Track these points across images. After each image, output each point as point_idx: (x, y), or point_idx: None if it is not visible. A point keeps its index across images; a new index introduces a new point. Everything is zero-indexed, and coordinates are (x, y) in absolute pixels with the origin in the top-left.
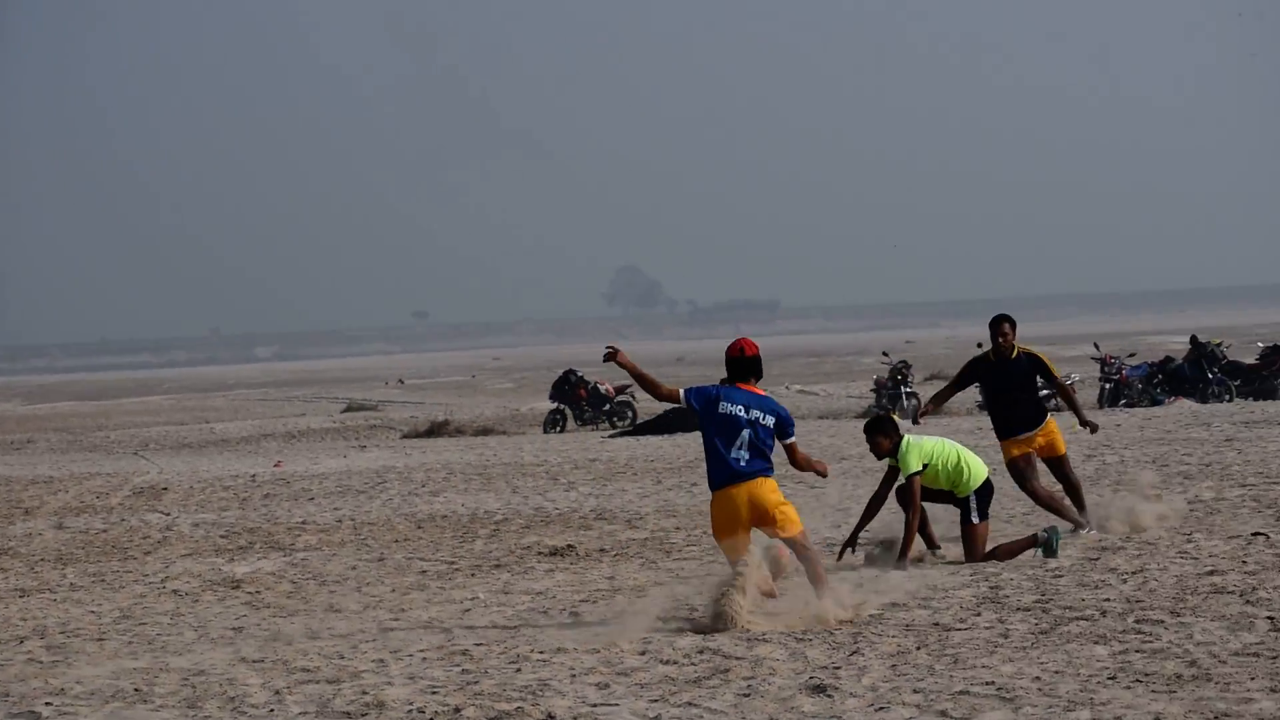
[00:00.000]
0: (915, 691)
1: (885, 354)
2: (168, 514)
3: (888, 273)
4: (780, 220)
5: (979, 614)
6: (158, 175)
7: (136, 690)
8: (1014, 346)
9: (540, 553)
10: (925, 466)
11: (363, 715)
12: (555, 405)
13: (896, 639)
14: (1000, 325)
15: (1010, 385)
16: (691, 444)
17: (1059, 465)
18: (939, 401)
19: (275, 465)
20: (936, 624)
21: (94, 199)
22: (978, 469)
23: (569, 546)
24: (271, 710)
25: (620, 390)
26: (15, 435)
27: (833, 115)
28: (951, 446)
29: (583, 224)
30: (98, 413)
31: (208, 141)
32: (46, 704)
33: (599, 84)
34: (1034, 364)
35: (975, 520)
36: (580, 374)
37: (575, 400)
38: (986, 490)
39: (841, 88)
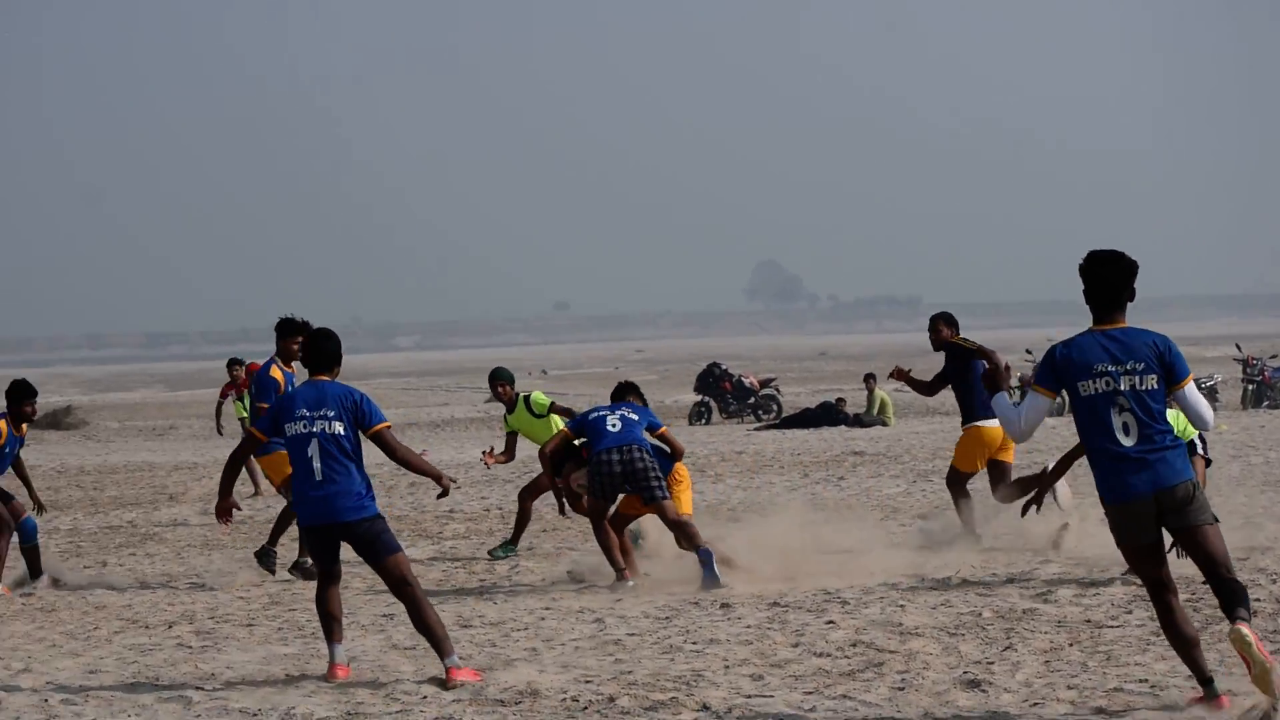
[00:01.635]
0: (1069, 688)
1: (1029, 351)
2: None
3: (1031, 269)
4: (923, 216)
5: (1130, 612)
6: (297, 161)
7: (287, 676)
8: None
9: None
10: None
11: (516, 704)
12: (700, 397)
13: (1049, 635)
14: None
15: None
16: (838, 438)
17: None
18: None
19: (420, 454)
20: (1088, 621)
21: (241, 188)
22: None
23: (718, 538)
24: (424, 698)
25: (765, 384)
26: (158, 422)
27: (979, 108)
28: None
29: (723, 218)
30: None
31: (347, 130)
32: (197, 689)
33: (745, 79)
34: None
35: None
36: (725, 367)
37: (720, 393)
38: None
39: (990, 80)
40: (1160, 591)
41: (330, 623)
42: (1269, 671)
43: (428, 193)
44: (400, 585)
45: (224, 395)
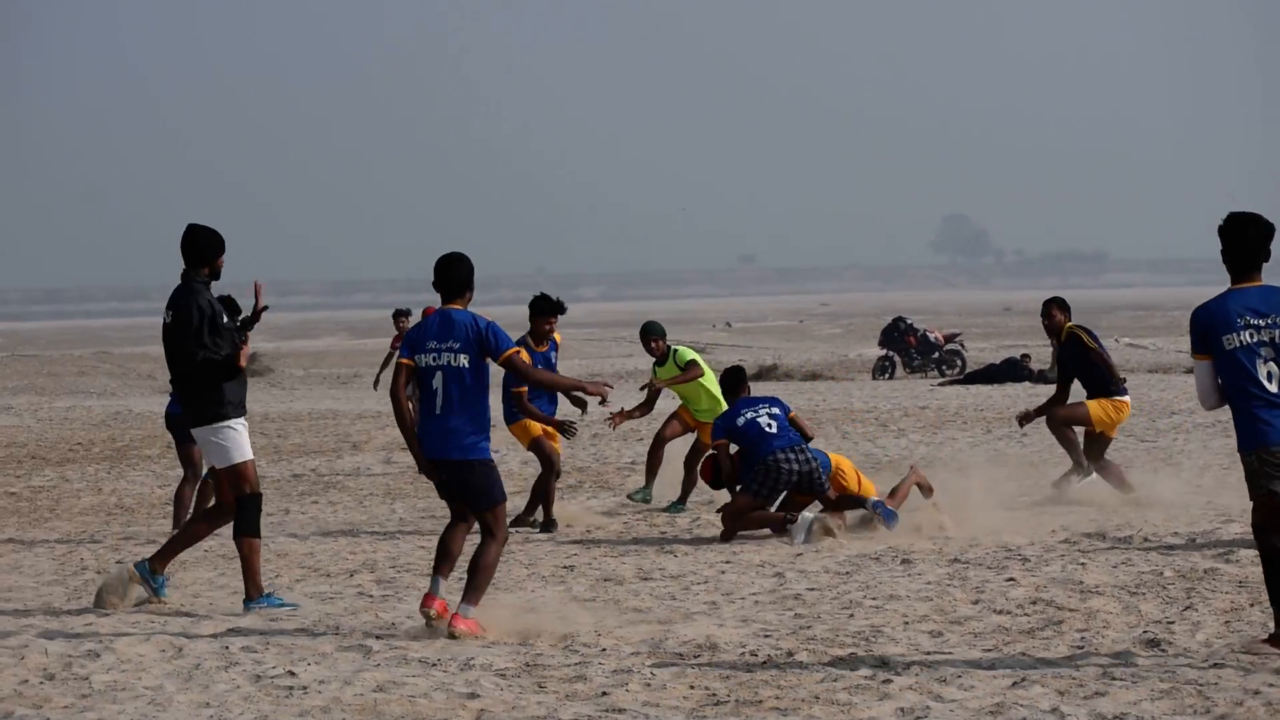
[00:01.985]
0: (1249, 649)
1: None
2: (497, 451)
3: (1216, 226)
4: (1109, 170)
5: None
6: (486, 115)
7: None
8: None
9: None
10: None
11: (695, 657)
12: (884, 352)
13: (1230, 595)
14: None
15: None
16: (1022, 395)
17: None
18: None
19: (601, 404)
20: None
21: (418, 136)
22: None
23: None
24: (603, 650)
25: (950, 339)
26: (342, 369)
27: (1171, 58)
28: None
29: (911, 171)
30: None
31: (542, 77)
32: (377, 638)
33: (930, 33)
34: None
35: None
36: (910, 321)
37: (904, 347)
38: None
39: (1179, 26)
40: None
41: (442, 557)
42: None
43: (614, 146)
44: (486, 532)
45: (394, 347)
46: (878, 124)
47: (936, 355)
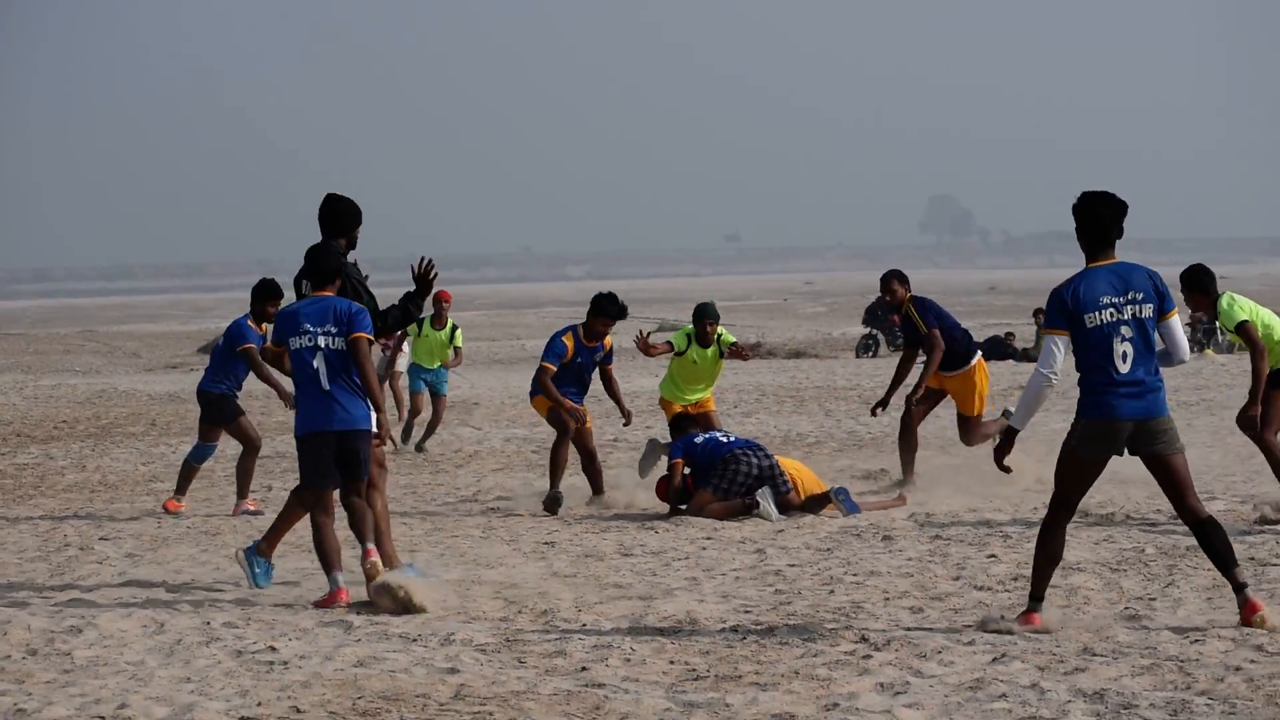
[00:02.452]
0: (1230, 625)
1: None
2: (479, 429)
3: (1200, 206)
4: (1096, 151)
5: None
6: (464, 88)
7: (444, 600)
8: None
9: (854, 476)
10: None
11: (675, 632)
12: (868, 330)
13: (1212, 572)
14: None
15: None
16: (1005, 373)
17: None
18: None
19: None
20: (1252, 559)
21: (405, 113)
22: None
23: (882, 470)
24: (584, 625)
25: None
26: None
27: (1160, 40)
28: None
29: (897, 152)
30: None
31: (521, 57)
32: (357, 614)
33: (916, 11)
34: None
35: None
36: None
37: (888, 326)
38: None
39: (1167, 6)
40: (1064, 510)
41: (332, 552)
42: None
43: (599, 124)
44: (370, 486)
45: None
46: (864, 105)
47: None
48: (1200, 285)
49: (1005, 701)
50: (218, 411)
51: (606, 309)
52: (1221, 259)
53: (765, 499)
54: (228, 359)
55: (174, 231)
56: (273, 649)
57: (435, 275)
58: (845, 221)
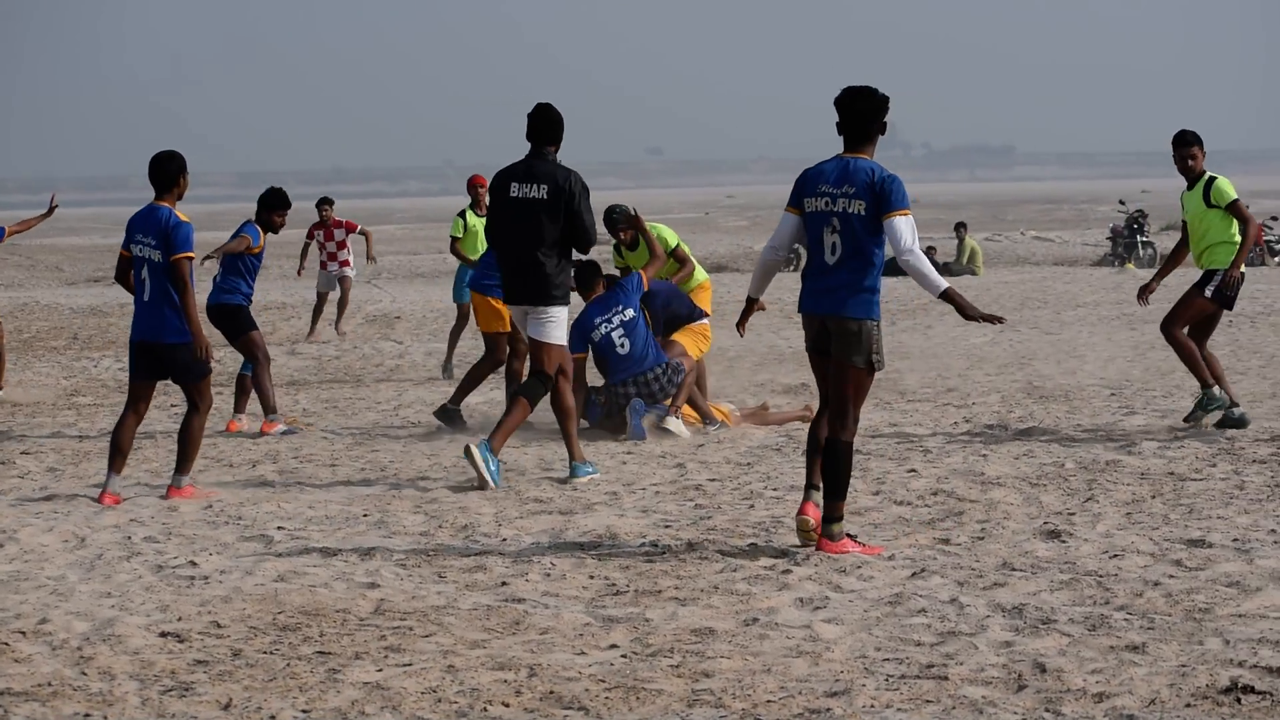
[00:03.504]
0: (1149, 540)
1: (1122, 202)
2: (400, 343)
3: (1123, 120)
4: (1018, 64)
5: (1214, 465)
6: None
7: (365, 515)
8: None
9: (774, 390)
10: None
11: (595, 546)
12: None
13: (1131, 487)
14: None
15: None
16: (922, 290)
17: None
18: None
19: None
20: (1172, 473)
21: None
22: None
23: (802, 385)
24: (504, 540)
25: None
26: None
27: None
28: None
29: (817, 63)
30: None
31: None
32: (279, 529)
33: None
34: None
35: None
36: None
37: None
38: None
39: None
40: (822, 402)
41: (116, 453)
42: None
43: (521, 37)
44: (191, 405)
45: (310, 236)
46: (788, 15)
47: None
48: (1198, 141)
49: (924, 616)
50: (233, 324)
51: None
52: (1145, 173)
53: (635, 415)
54: (235, 263)
55: (98, 144)
56: (193, 564)
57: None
58: (767, 134)
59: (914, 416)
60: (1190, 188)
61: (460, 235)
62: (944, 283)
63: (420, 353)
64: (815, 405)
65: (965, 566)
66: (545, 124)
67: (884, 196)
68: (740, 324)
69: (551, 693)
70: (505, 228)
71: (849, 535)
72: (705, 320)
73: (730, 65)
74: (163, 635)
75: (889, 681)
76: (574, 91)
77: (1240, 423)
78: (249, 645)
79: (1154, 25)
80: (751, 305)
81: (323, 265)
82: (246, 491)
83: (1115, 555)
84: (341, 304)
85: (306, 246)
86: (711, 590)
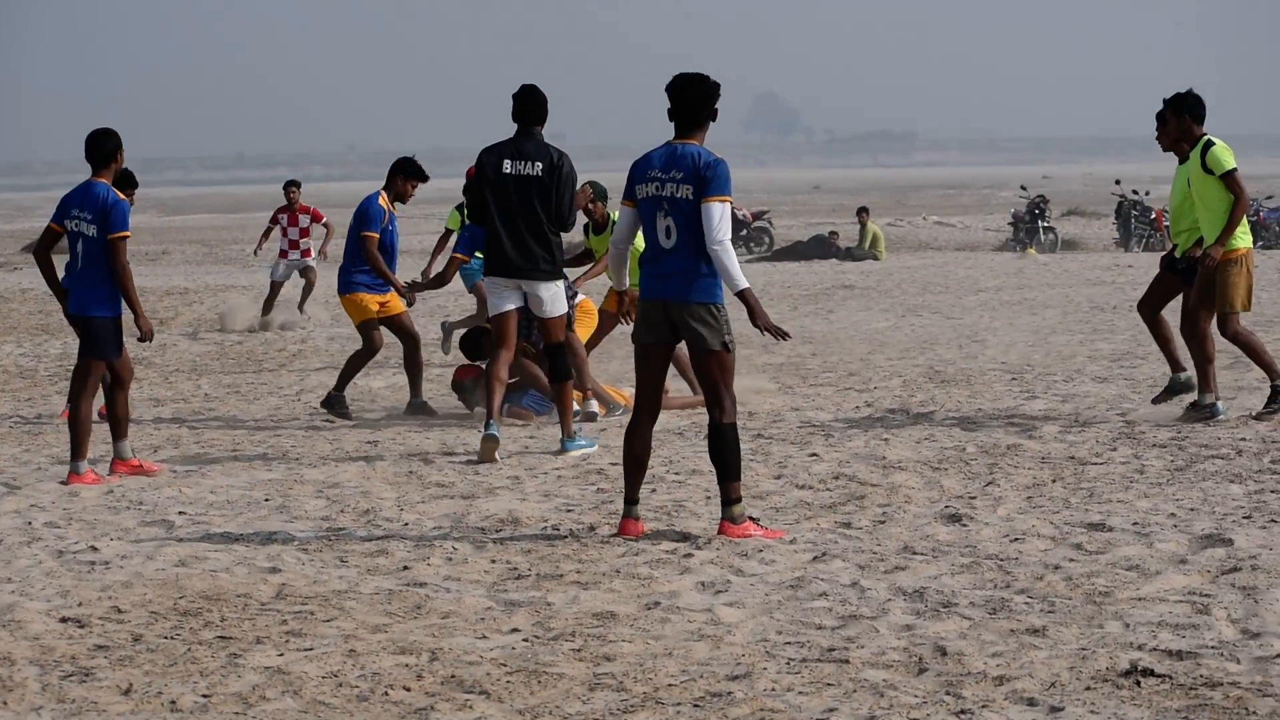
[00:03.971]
0: (1050, 524)
1: (1023, 188)
2: (303, 328)
3: (1025, 107)
4: (919, 51)
5: (1115, 449)
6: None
7: (267, 500)
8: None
9: (672, 374)
10: None
11: (496, 531)
12: None
13: (1032, 471)
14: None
15: None
16: (828, 271)
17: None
18: None
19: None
20: (1072, 458)
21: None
22: None
23: None
24: (406, 524)
25: (757, 216)
26: (151, 246)
27: None
28: None
29: (721, 49)
30: (233, 225)
31: None
32: (180, 514)
33: None
34: None
35: None
36: None
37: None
38: None
39: None
40: (642, 409)
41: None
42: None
43: (430, 22)
44: (115, 380)
45: (275, 220)
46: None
47: (744, 233)
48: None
49: (826, 600)
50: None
51: (410, 169)
52: (1046, 159)
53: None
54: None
55: None
56: (94, 549)
57: None
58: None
59: (816, 400)
60: (1183, 160)
61: (456, 228)
62: (745, 282)
63: (323, 337)
64: None
65: (866, 550)
66: (533, 104)
67: (706, 181)
68: (625, 316)
69: (453, 677)
70: (504, 204)
71: (751, 518)
72: (583, 296)
73: (628, 46)
74: (63, 620)
75: (790, 665)
76: (476, 73)
77: (1211, 412)
78: (150, 630)
79: (1057, 13)
80: (622, 297)
81: (282, 254)
82: (147, 478)
83: (1016, 539)
84: (307, 289)
85: (269, 230)
86: (613, 574)
